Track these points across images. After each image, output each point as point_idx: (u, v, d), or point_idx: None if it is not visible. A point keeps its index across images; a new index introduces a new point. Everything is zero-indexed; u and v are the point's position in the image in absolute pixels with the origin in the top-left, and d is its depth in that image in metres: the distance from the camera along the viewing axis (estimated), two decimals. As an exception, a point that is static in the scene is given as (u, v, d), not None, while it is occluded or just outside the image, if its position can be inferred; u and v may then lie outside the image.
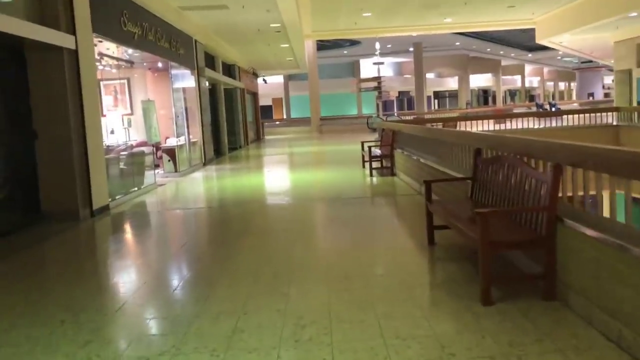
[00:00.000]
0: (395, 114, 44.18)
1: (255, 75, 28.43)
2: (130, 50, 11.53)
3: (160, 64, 13.91)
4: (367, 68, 50.04)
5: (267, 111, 52.50)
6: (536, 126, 20.39)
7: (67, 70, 7.59)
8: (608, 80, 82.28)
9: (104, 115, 14.68)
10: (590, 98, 65.85)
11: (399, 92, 61.34)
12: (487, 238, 3.57)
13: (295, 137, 31.27)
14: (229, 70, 22.89)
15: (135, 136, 14.65)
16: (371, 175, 10.91)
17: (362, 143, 12.80)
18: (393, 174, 10.85)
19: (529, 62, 67.72)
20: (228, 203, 8.80)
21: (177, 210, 8.39)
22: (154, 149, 14.23)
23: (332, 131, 33.83)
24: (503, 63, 62.51)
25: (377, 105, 42.72)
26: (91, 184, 7.82)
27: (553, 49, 55.05)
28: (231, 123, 23.16)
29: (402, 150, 10.26)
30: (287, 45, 21.08)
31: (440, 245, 5.19)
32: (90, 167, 7.86)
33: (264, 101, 50.75)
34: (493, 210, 4.13)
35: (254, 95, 30.48)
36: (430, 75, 57.11)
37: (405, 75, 57.82)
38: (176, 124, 13.77)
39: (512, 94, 79.67)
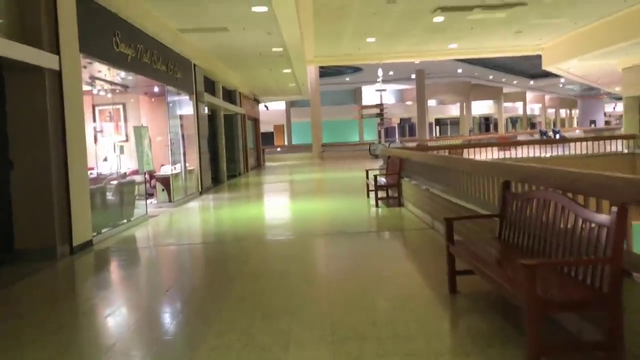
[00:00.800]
0: (397, 141, 43.69)
1: (257, 101, 27.98)
2: (123, 74, 10.94)
3: (156, 89, 13.34)
4: (369, 95, 49.82)
5: (268, 137, 52.15)
6: (542, 154, 19.76)
7: (49, 92, 6.96)
8: (609, 108, 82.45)
9: (96, 142, 14.14)
10: (592, 125, 65.57)
11: (401, 119, 61.14)
12: (536, 296, 2.85)
13: (297, 163, 30.66)
14: (230, 95, 22.39)
15: (129, 164, 14.02)
16: (377, 205, 10.20)
17: (367, 171, 12.12)
18: (400, 205, 10.15)
19: (530, 90, 67.69)
20: (223, 238, 8.07)
21: (166, 247, 7.65)
22: (148, 177, 13.59)
23: (334, 158, 33.25)
24: (505, 90, 62.40)
25: (379, 131, 42.30)
26: (72, 217, 7.10)
27: (556, 76, 55.04)
28: (231, 150, 22.57)
29: (410, 179, 9.58)
30: (289, 71, 20.61)
31: (464, 294, 4.45)
32: (72, 198, 7.16)
33: (265, 127, 50.37)
34: (542, 262, 3.39)
35: (255, 122, 29.99)
36: (432, 102, 56.91)
37: (407, 102, 57.64)
38: (171, 151, 13.12)
39: (514, 121, 79.56)
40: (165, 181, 12.60)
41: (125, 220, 9.65)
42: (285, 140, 51.10)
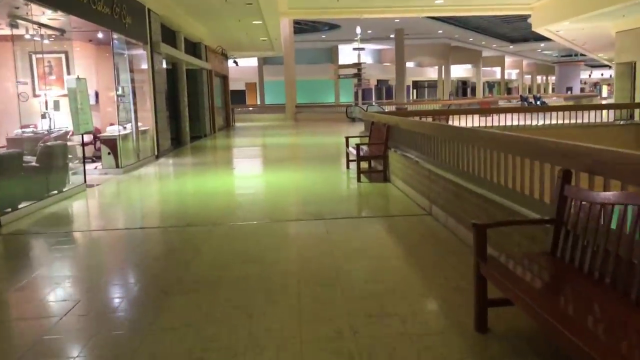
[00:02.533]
0: (374, 103, 42.04)
1: (225, 57, 25.84)
2: (55, 14, 8.99)
3: (101, 35, 11.36)
4: (346, 54, 47.64)
5: (239, 96, 49.76)
6: (526, 122, 18.35)
7: None
8: (584, 75, 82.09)
9: (37, 96, 12.19)
10: (569, 92, 65.01)
11: (378, 81, 59.32)
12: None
13: (269, 124, 28.82)
14: (194, 48, 20.29)
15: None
16: (359, 180, 8.67)
17: (347, 138, 10.53)
18: (386, 179, 8.64)
19: (509, 54, 66.52)
20: (169, 221, 6.41)
21: (92, 232, 6.00)
22: (93, 138, 11.75)
23: (309, 119, 31.46)
24: (484, 54, 61.04)
25: (356, 93, 40.47)
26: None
27: (535, 40, 53.70)
28: (195, 108, 20.63)
29: (398, 151, 8.06)
30: (260, 22, 18.59)
31: (498, 334, 3.00)
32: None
33: (236, 85, 47.93)
34: None
35: (224, 79, 27.87)
36: (409, 64, 55.08)
37: (384, 63, 55.76)
38: (119, 108, 11.27)
39: (491, 85, 78.71)
40: (112, 143, 10.79)
41: (55, 192, 7.93)
42: (257, 100, 48.89)
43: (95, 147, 11.31)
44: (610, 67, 72.47)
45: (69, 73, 13.00)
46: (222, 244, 5.22)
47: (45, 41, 11.84)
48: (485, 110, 22.04)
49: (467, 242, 4.82)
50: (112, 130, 10.95)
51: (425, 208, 6.32)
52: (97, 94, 12.83)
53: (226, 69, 27.98)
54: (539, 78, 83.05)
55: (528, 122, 18.12)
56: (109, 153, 10.78)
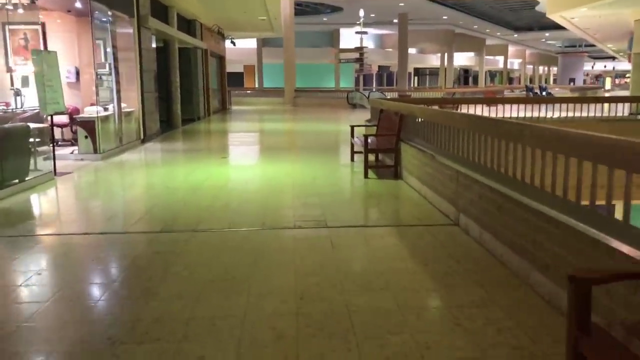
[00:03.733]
0: (374, 89, 40.82)
1: (222, 36, 24.54)
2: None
3: (79, 4, 10.16)
4: (347, 39, 46.24)
5: (237, 78, 48.41)
6: (532, 114, 17.11)
7: None
8: (587, 67, 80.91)
9: (12, 71, 11.05)
10: (572, 84, 63.89)
11: (379, 67, 57.99)
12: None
13: (266, 109, 27.63)
14: (188, 26, 19.02)
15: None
16: (366, 175, 7.57)
17: (352, 127, 9.41)
18: (397, 176, 7.56)
19: (512, 43, 65.25)
20: (139, 225, 5.29)
21: (35, 237, 4.88)
22: (70, 120, 10.60)
23: (308, 105, 30.24)
24: (487, 42, 59.74)
25: (358, 78, 39.23)
26: None
27: (540, 29, 52.41)
28: (188, 90, 19.43)
29: (411, 144, 6.97)
30: (259, -1, 17.35)
31: None
32: None
33: (234, 67, 46.58)
34: None
35: (220, 59, 26.58)
36: (411, 51, 53.71)
37: (386, 49, 54.41)
38: (97, 87, 10.10)
39: (493, 75, 77.57)
40: (89, 126, 9.65)
41: (15, 181, 6.82)
42: (256, 82, 47.57)
43: (71, 129, 10.16)
44: (614, 58, 71.32)
45: (45, 47, 11.82)
46: (199, 261, 4.13)
47: (20, 10, 10.67)
48: (494, 100, 20.86)
49: (511, 268, 3.76)
50: (90, 112, 9.79)
51: (450, 216, 5.24)
52: (77, 71, 11.67)
53: (223, 49, 26.68)
54: (541, 68, 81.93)
55: (535, 114, 16.98)
56: (86, 137, 9.65)
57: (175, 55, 16.61)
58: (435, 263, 4.03)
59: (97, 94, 9.98)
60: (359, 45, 32.72)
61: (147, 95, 12.78)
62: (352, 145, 9.24)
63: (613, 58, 71.52)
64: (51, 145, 8.12)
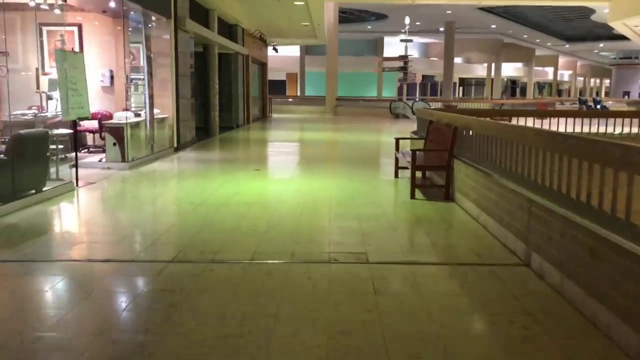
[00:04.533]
0: (417, 99, 39.73)
1: (264, 42, 24.07)
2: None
3: (113, 4, 9.70)
4: (391, 47, 45.34)
5: (279, 86, 48.21)
6: (587, 129, 15.61)
7: None
8: (644, 79, 77.30)
9: (47, 74, 10.71)
10: (626, 97, 60.95)
11: (422, 76, 56.76)
12: None
13: (307, 117, 27.00)
14: (230, 31, 18.59)
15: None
16: (413, 196, 6.71)
17: (397, 141, 8.55)
18: (448, 198, 6.66)
19: (563, 54, 62.90)
20: (150, 252, 4.55)
21: (37, 265, 4.24)
22: (99, 126, 10.13)
23: (349, 114, 29.48)
24: (536, 53, 57.71)
25: (401, 88, 38.20)
26: None
27: (594, 39, 50.09)
28: (227, 96, 18.98)
29: (467, 162, 6.08)
30: (302, 3, 16.70)
31: None
32: None
33: (277, 75, 46.38)
34: None
35: (262, 66, 26.16)
36: (457, 60, 52.34)
37: (431, 58, 53.25)
38: (127, 92, 9.60)
39: (541, 86, 75.04)
40: (118, 132, 9.14)
41: (32, 192, 6.30)
42: (298, 90, 47.18)
43: (101, 136, 9.68)
44: (674, 71, 67.81)
45: (81, 49, 11.48)
46: (211, 306, 3.36)
47: (56, 11, 10.32)
48: (547, 112, 19.53)
49: (614, 337, 2.85)
50: (119, 117, 9.28)
51: (517, 253, 4.33)
52: (112, 75, 11.24)
53: (265, 56, 26.25)
54: (592, 81, 78.86)
55: (593, 129, 15.55)
56: (114, 144, 9.14)
57: (215, 61, 16.14)
58: (507, 322, 3.15)
59: (127, 99, 9.47)
60: (403, 53, 31.79)
61: (183, 101, 12.27)
62: (397, 160, 8.39)
63: (673, 70, 68.06)
64: (74, 152, 7.60)
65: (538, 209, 4.00)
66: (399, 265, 4.16)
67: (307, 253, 4.45)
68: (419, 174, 7.68)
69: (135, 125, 9.69)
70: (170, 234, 5.07)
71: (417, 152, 7.03)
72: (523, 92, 67.39)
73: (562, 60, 65.75)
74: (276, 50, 26.47)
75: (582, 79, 76.38)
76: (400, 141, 8.67)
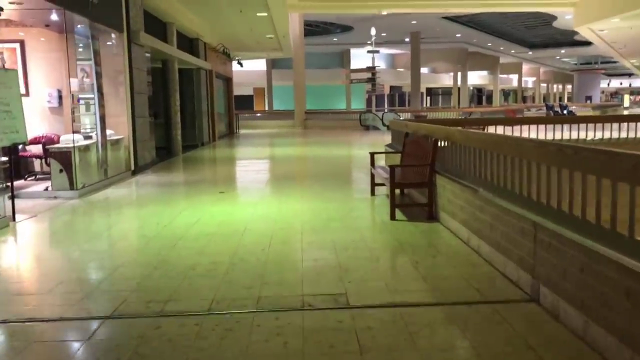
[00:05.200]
0: (386, 110, 39.50)
1: (228, 56, 23.35)
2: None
3: (55, 16, 8.87)
4: (358, 59, 45.18)
5: (247, 101, 47.44)
6: (556, 135, 15.20)
7: None
8: (604, 84, 79.22)
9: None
10: (588, 101, 62.20)
11: (390, 87, 56.82)
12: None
13: (276, 132, 26.31)
14: (191, 45, 17.84)
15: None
16: (393, 217, 6.06)
17: (372, 155, 7.92)
18: (432, 218, 6.04)
19: (527, 61, 63.99)
20: (84, 307, 3.70)
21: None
22: (43, 151, 9.23)
23: (319, 127, 28.92)
24: (501, 60, 58.49)
25: (369, 99, 37.89)
26: None
27: (556, 46, 50.94)
28: (191, 114, 18.19)
29: (452, 178, 5.48)
30: (265, 14, 16.09)
31: None
32: None
33: (243, 90, 45.62)
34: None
35: (228, 81, 25.41)
36: (423, 70, 52.60)
37: (398, 69, 53.38)
38: (73, 113, 8.75)
39: (506, 94, 76.15)
40: (65, 157, 8.26)
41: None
42: (265, 105, 46.50)
43: (46, 162, 8.79)
44: (631, 75, 69.57)
45: (25, 68, 10.57)
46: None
47: (-6, 27, 9.45)
48: (518, 120, 19.25)
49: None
50: (66, 140, 8.41)
51: (521, 285, 3.70)
52: (60, 95, 10.34)
53: (230, 70, 25.52)
54: (555, 86, 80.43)
55: (558, 134, 15.15)
56: (60, 170, 8.26)
57: (175, 77, 15.34)
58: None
59: (74, 120, 8.61)
60: (370, 64, 31.51)
61: (140, 120, 11.43)
62: (372, 176, 7.76)
63: (630, 75, 69.82)
64: (10, 182, 6.72)
65: (546, 235, 3.38)
66: (386, 308, 3.48)
67: (276, 297, 3.73)
68: (397, 191, 7.05)
69: (85, 149, 8.82)
70: (114, 279, 4.28)
71: (395, 168, 6.38)
72: (489, 99, 68.18)
73: (525, 67, 66.85)
74: (241, 65, 25.79)
75: (545, 85, 77.83)
76: (375, 155, 8.05)
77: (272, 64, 42.79)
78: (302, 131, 27.07)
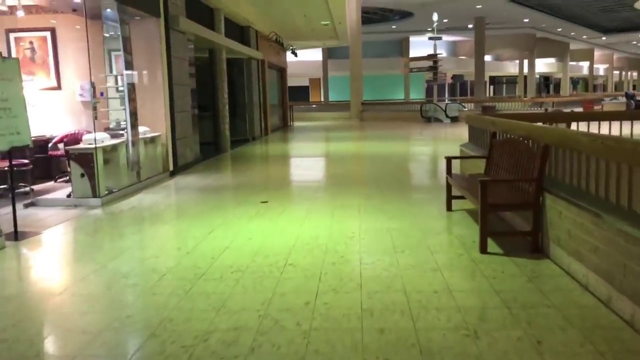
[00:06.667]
0: (447, 100, 37.29)
1: (282, 46, 22.08)
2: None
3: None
4: (417, 47, 42.93)
5: (302, 92, 46.37)
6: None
7: None
8: (683, 71, 73.10)
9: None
10: (668, 90, 57.27)
11: (452, 76, 54.21)
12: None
13: (331, 124, 24.91)
14: (242, 33, 16.66)
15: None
16: (484, 249, 4.52)
17: (449, 161, 6.33)
18: (538, 250, 4.46)
19: (599, 47, 59.45)
20: None
21: None
22: (65, 152, 8.20)
23: (376, 119, 27.25)
24: (571, 47, 54.62)
25: (430, 89, 35.76)
26: None
27: (634, 30, 46.68)
28: (241, 106, 17.06)
29: (572, 201, 3.88)
30: (320, -2, 14.63)
31: None
32: None
33: (299, 81, 44.48)
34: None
35: (281, 72, 24.20)
36: (487, 58, 49.71)
37: (460, 57, 50.71)
38: (95, 108, 7.64)
39: (575, 82, 71.52)
40: (86, 160, 7.17)
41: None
42: (321, 96, 45.19)
43: (68, 164, 7.74)
44: None
45: (56, 58, 9.65)
46: None
47: (20, 13, 8.51)
48: (616, 114, 16.80)
49: None
50: (88, 140, 7.30)
51: None
52: (93, 87, 9.31)
53: (284, 61, 24.28)
54: (629, 74, 75.07)
55: None
56: (82, 175, 7.17)
57: (223, 67, 14.17)
58: None
59: (96, 117, 7.49)
60: (430, 52, 29.53)
61: (180, 115, 10.29)
62: (449, 187, 6.20)
63: None
64: (11, 192, 5.63)
65: None
66: None
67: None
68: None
69: (112, 149, 7.71)
70: (89, 354, 2.98)
71: (487, 182, 4.78)
72: (556, 88, 64.26)
73: (597, 53, 62.35)
74: (295, 54, 24.46)
75: (617, 72, 72.75)
76: (457, 162, 6.45)
77: (328, 54, 41.32)
78: (358, 123, 25.53)
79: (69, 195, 7.35)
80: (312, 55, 38.19)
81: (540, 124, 6.38)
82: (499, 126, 6.12)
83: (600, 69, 70.77)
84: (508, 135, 5.78)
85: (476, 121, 7.46)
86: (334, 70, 41.51)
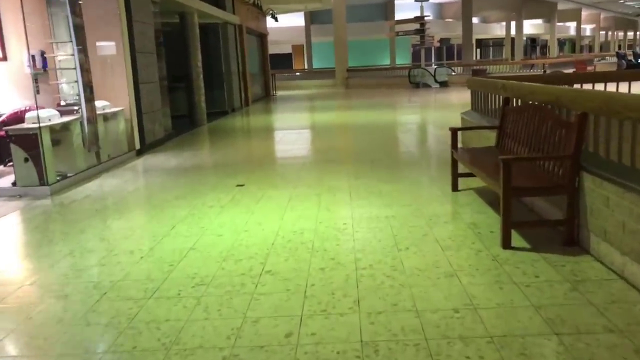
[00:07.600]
0: (435, 65, 36.21)
1: (260, 9, 20.75)
2: None
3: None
4: (402, 10, 41.48)
5: (285, 60, 44.83)
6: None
7: None
8: (670, 29, 72.33)
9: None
10: (656, 49, 56.49)
11: (439, 39, 52.86)
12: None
13: (315, 93, 23.79)
14: (215, -5, 15.39)
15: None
16: (507, 245, 3.65)
17: (454, 133, 5.39)
18: (572, 242, 3.60)
19: (586, 6, 58.27)
20: None
21: None
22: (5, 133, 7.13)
23: (362, 86, 26.14)
24: (559, 7, 53.45)
25: (417, 53, 34.61)
26: None
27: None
28: (219, 76, 15.90)
29: (622, 182, 3.00)
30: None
31: None
32: None
33: (282, 48, 42.96)
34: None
35: (262, 38, 22.89)
36: (473, 20, 48.41)
37: (446, 20, 49.38)
38: (36, 80, 6.58)
39: (561, 43, 70.51)
40: (29, 142, 6.13)
41: None
42: (305, 64, 43.77)
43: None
44: None
45: (0, 27, 8.48)
46: None
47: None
48: (613, 75, 15.97)
49: None
50: (31, 119, 6.24)
51: None
52: (44, 57, 8.19)
53: (264, 26, 22.95)
54: (616, 34, 74.15)
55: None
56: (25, 159, 6.15)
57: (195, 32, 12.99)
58: None
59: (38, 92, 6.42)
60: (418, 14, 28.29)
61: (146, 87, 9.21)
62: (455, 163, 5.29)
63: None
64: None
65: None
66: None
67: None
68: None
69: (63, 128, 6.67)
70: None
71: (510, 161, 3.84)
72: (542, 50, 63.32)
73: (584, 13, 61.24)
74: (276, 19, 23.13)
75: (604, 32, 71.78)
76: (446, 130, 5.53)
77: (311, 19, 39.76)
78: (344, 91, 24.43)
79: (14, 184, 6.34)
80: (294, 20, 36.69)
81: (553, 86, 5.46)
82: (511, 91, 5.18)
83: (587, 29, 69.79)
84: (525, 102, 4.85)
85: (481, 85, 6.50)
86: (317, 35, 40.04)
